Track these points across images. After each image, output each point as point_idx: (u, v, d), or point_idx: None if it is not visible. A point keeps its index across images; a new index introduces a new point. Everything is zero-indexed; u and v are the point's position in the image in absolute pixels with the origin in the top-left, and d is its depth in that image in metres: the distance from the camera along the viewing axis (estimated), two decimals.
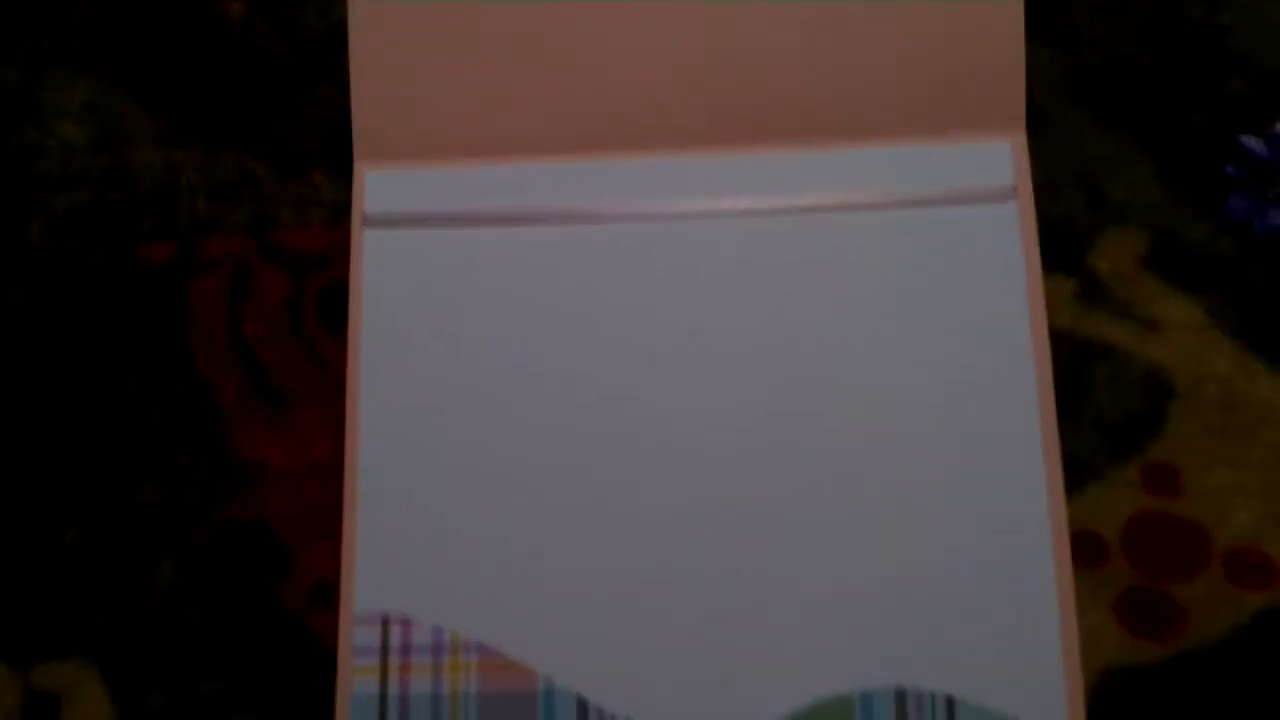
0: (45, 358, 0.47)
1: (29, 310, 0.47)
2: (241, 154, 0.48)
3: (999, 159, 0.45)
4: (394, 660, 0.43)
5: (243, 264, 0.47)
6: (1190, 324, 0.45)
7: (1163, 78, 0.47)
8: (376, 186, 0.47)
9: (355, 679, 0.43)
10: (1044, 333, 0.44)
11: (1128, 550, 0.43)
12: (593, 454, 0.44)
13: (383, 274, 0.46)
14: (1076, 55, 0.47)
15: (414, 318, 0.46)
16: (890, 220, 0.45)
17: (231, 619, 0.45)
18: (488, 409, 0.45)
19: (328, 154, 0.48)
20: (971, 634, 0.42)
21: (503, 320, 0.45)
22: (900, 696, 0.41)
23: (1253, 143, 0.45)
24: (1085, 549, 0.43)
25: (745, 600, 0.43)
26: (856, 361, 0.44)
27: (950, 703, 0.41)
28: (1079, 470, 0.44)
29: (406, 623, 0.43)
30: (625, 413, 0.44)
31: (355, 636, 0.43)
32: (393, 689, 0.43)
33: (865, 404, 0.44)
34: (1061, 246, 0.46)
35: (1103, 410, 0.44)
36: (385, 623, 0.43)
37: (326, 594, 0.44)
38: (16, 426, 0.47)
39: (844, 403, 0.44)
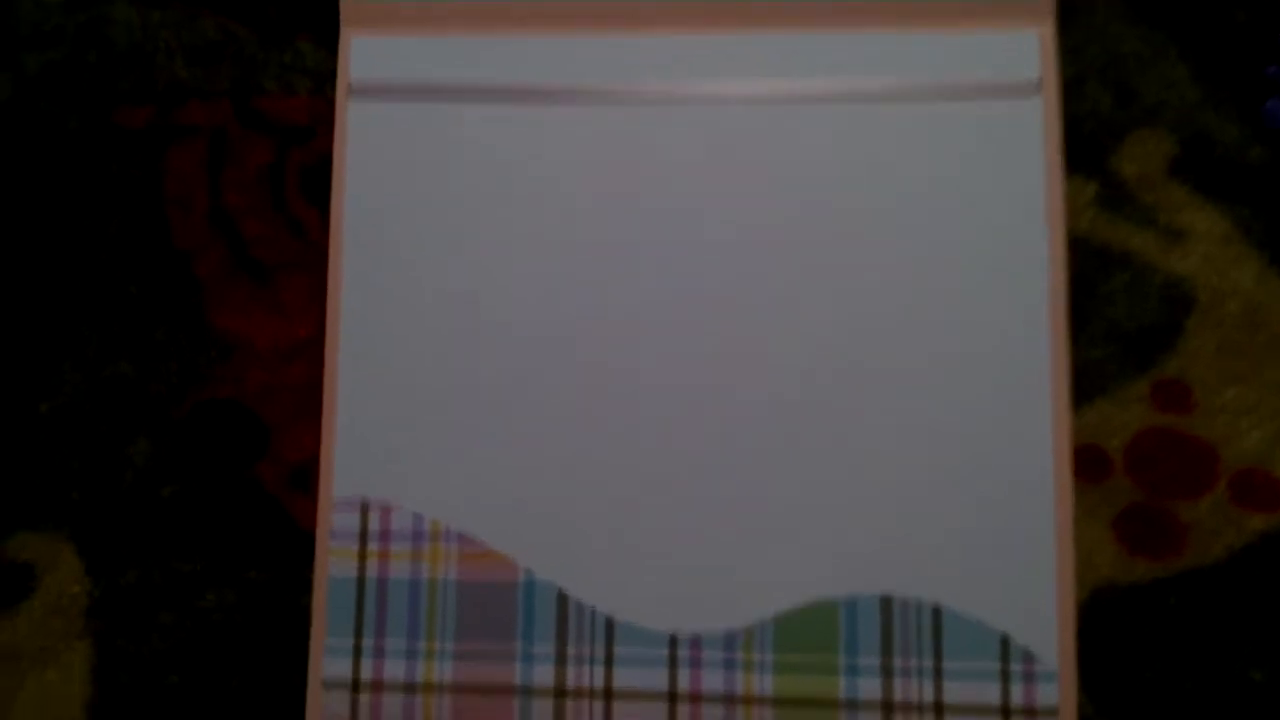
0: (16, 224, 0.45)
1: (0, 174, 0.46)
2: (222, 15, 0.46)
3: (1026, 50, 0.43)
4: (373, 545, 0.42)
5: (223, 131, 0.45)
6: (1215, 235, 0.43)
7: None
8: (363, 54, 0.44)
9: (333, 562, 0.42)
10: (1062, 236, 0.42)
11: (1131, 466, 0.42)
12: (584, 340, 0.43)
13: (367, 145, 0.44)
14: None
15: (400, 192, 0.44)
16: (910, 111, 0.43)
17: (208, 498, 0.44)
18: (474, 288, 0.43)
19: (314, 19, 0.46)
20: (964, 544, 0.41)
21: (492, 197, 0.43)
22: (886, 603, 0.41)
23: None
24: (1088, 463, 0.42)
25: (733, 502, 0.41)
26: (862, 255, 0.42)
27: (937, 612, 0.40)
28: (1088, 382, 0.42)
29: (387, 508, 0.42)
30: (617, 299, 0.43)
31: (334, 520, 0.42)
32: (371, 573, 0.42)
33: (868, 300, 0.42)
34: (1085, 146, 0.43)
35: (1117, 321, 0.43)
36: (365, 507, 0.42)
37: (305, 476, 0.43)
38: None
39: (846, 297, 0.42)
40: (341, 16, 0.45)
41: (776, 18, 0.43)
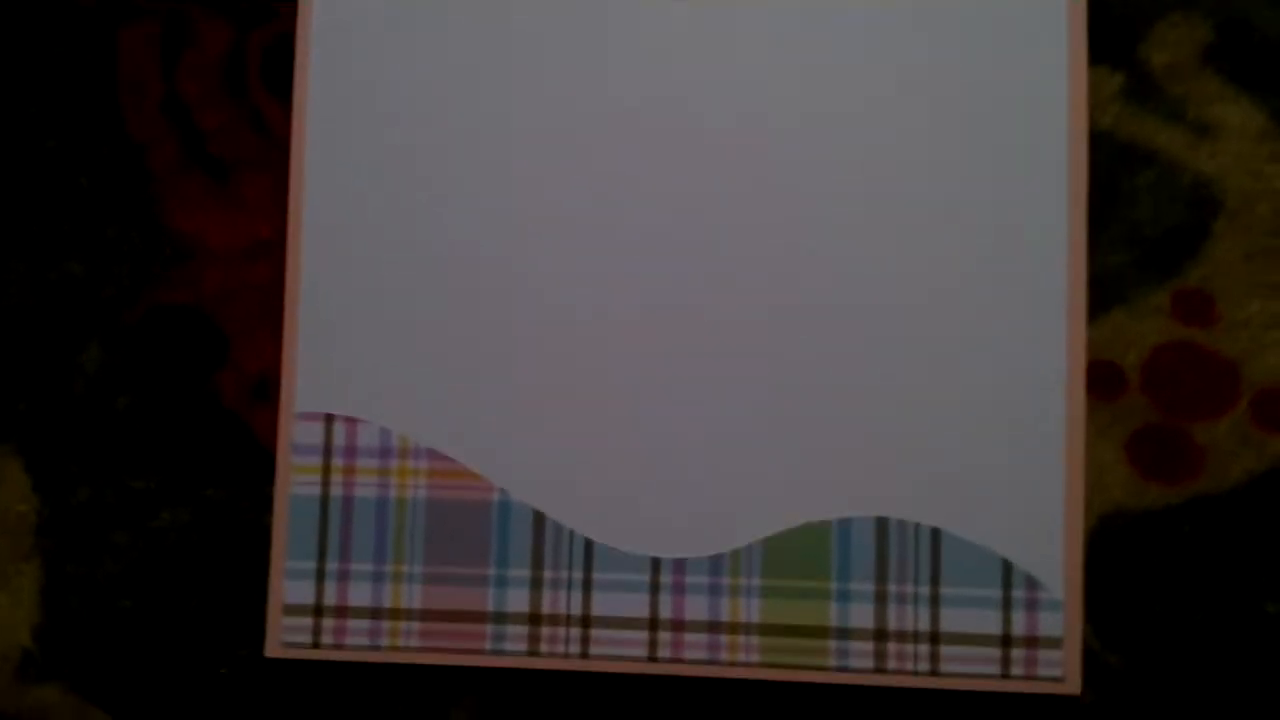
0: None
1: None
2: None
3: None
4: (337, 461, 0.41)
5: (180, 11, 0.43)
6: (1249, 131, 0.40)
7: None
8: None
9: (295, 479, 0.41)
10: (1083, 132, 0.39)
11: (1148, 384, 0.40)
12: (564, 243, 0.40)
13: (334, 28, 0.42)
14: None
15: (368, 81, 0.41)
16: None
17: (164, 410, 0.42)
18: (448, 188, 0.41)
19: None
20: (966, 465, 0.39)
21: (467, 87, 0.41)
22: (882, 524, 0.39)
23: None
24: (1102, 380, 0.40)
25: (721, 419, 0.40)
26: (875, 153, 0.40)
27: (935, 535, 0.39)
28: (1105, 291, 0.40)
29: (352, 422, 0.41)
30: (598, 198, 0.40)
31: (296, 434, 0.41)
32: (335, 491, 0.40)
33: (877, 202, 0.40)
34: (1112, 33, 0.41)
35: (1139, 224, 0.40)
36: (329, 421, 0.41)
37: (266, 388, 0.42)
38: None
39: (845, 193, 0.40)
40: None
41: None
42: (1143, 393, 0.40)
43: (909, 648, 0.39)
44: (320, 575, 0.40)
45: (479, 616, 0.40)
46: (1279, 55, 0.41)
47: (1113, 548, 0.40)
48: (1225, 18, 0.41)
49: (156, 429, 0.42)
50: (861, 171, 0.40)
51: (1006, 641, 0.39)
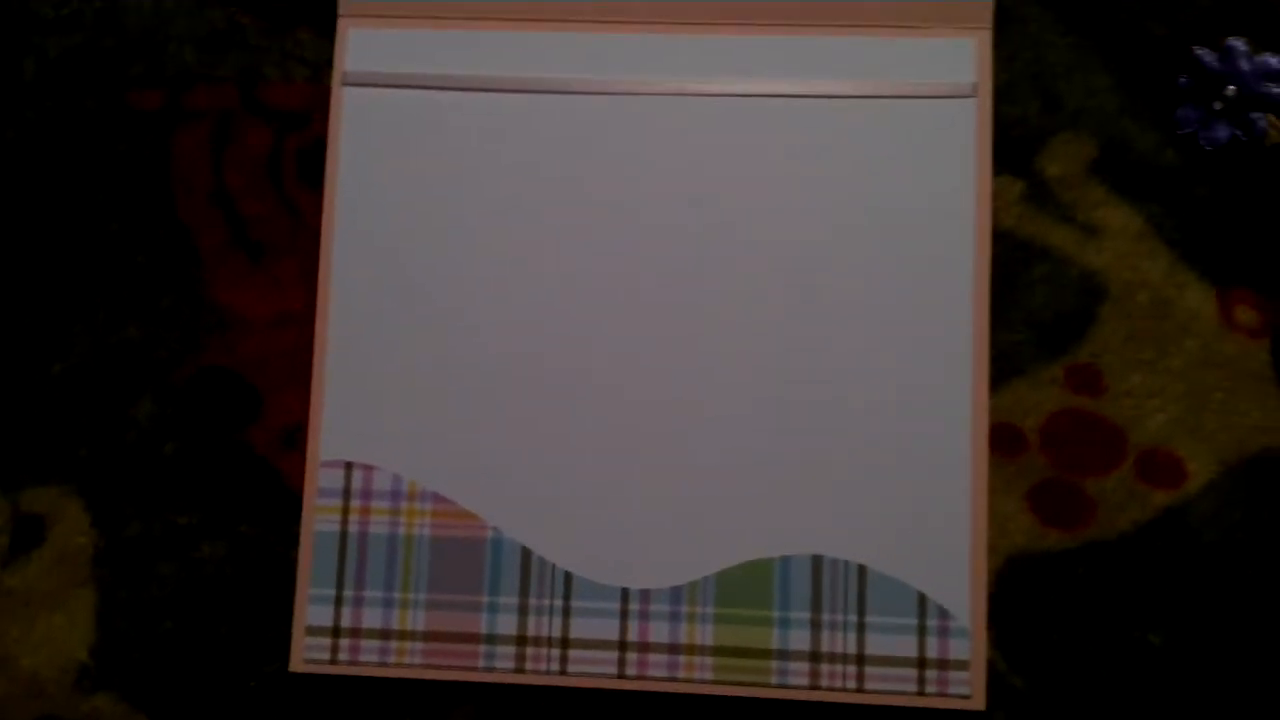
0: (35, 197, 0.49)
1: (21, 149, 0.49)
2: (229, 6, 0.49)
3: (963, 56, 0.46)
4: (355, 503, 0.46)
5: (227, 115, 0.48)
6: (1129, 231, 0.46)
7: None
8: (358, 44, 0.48)
9: (319, 518, 0.46)
10: (987, 230, 0.45)
11: (1045, 444, 0.45)
12: (551, 319, 0.46)
13: (360, 132, 0.47)
14: None
15: (389, 176, 0.47)
16: (852, 109, 0.46)
17: (205, 457, 0.47)
18: (456, 269, 0.46)
19: (314, 10, 0.49)
20: (889, 511, 0.44)
21: (475, 184, 0.47)
22: (817, 561, 0.44)
23: (1205, 54, 0.45)
24: (1005, 440, 0.45)
25: (681, 470, 0.45)
26: (801, 242, 0.46)
27: (862, 571, 0.44)
28: (1007, 365, 0.46)
29: (369, 469, 0.46)
30: (582, 280, 0.46)
31: (320, 479, 0.46)
32: (353, 529, 0.46)
33: (806, 284, 0.45)
34: (1014, 148, 0.47)
35: (1035, 309, 0.46)
36: (349, 468, 0.46)
37: (295, 438, 0.47)
38: (7, 263, 0.48)
39: (786, 280, 0.46)
40: (339, 9, 0.48)
41: (736, 21, 0.47)
42: (1041, 452, 0.45)
43: (839, 668, 0.44)
44: (338, 601, 0.45)
45: (473, 638, 0.45)
46: (1153, 170, 0.46)
47: (1018, 585, 0.45)
48: (1108, 137, 0.46)
49: (199, 473, 0.47)
50: (796, 258, 0.45)
51: (922, 664, 0.44)
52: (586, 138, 0.47)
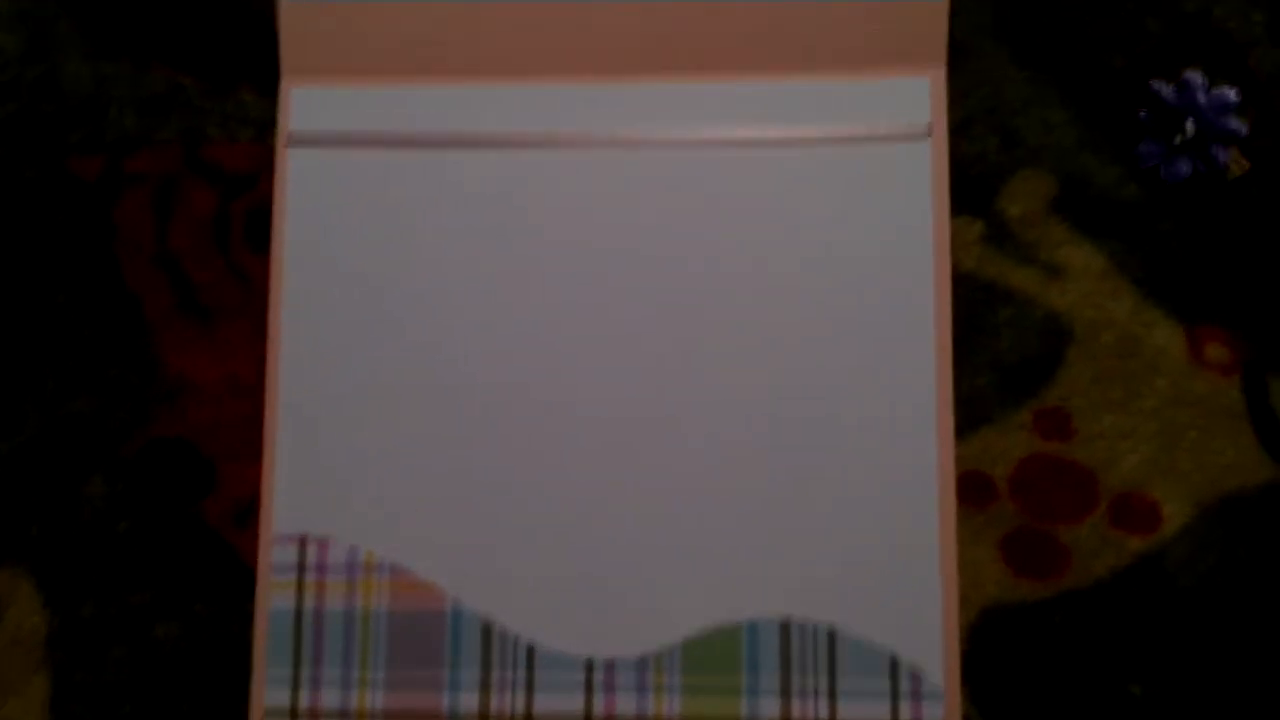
0: None
1: None
2: (170, 68, 0.48)
3: (917, 95, 0.45)
4: (310, 577, 0.45)
5: (170, 179, 0.48)
6: (1092, 270, 0.45)
7: (1084, 15, 0.46)
8: (302, 104, 0.47)
9: (273, 594, 0.45)
10: (947, 273, 0.44)
11: (1016, 491, 0.44)
12: (507, 383, 0.45)
13: (306, 193, 0.46)
14: None
15: (338, 238, 0.46)
16: (807, 154, 0.45)
17: (158, 533, 0.46)
18: (407, 332, 0.46)
19: (256, 70, 0.48)
20: (856, 570, 0.43)
21: (425, 244, 0.46)
22: (785, 626, 0.43)
23: (1163, 88, 0.44)
24: (974, 489, 0.44)
25: (643, 534, 0.44)
26: (760, 291, 0.45)
27: (832, 634, 0.43)
28: (973, 411, 0.45)
29: (323, 542, 0.45)
30: (540, 342, 0.45)
31: (274, 554, 0.45)
32: (308, 604, 0.45)
33: (763, 335, 0.44)
34: (972, 187, 0.46)
35: (1000, 353, 0.45)
36: (303, 541, 0.45)
37: (248, 512, 0.46)
38: None
39: (744, 333, 0.45)
40: (281, 67, 0.47)
41: (683, 67, 0.46)
42: (1011, 500, 0.44)
43: None
44: (295, 682, 0.44)
45: (435, 716, 0.44)
46: (1115, 206, 0.45)
47: (993, 638, 0.44)
48: (1068, 173, 0.45)
49: (152, 550, 0.46)
50: (751, 310, 0.44)
51: None
52: (538, 192, 0.46)
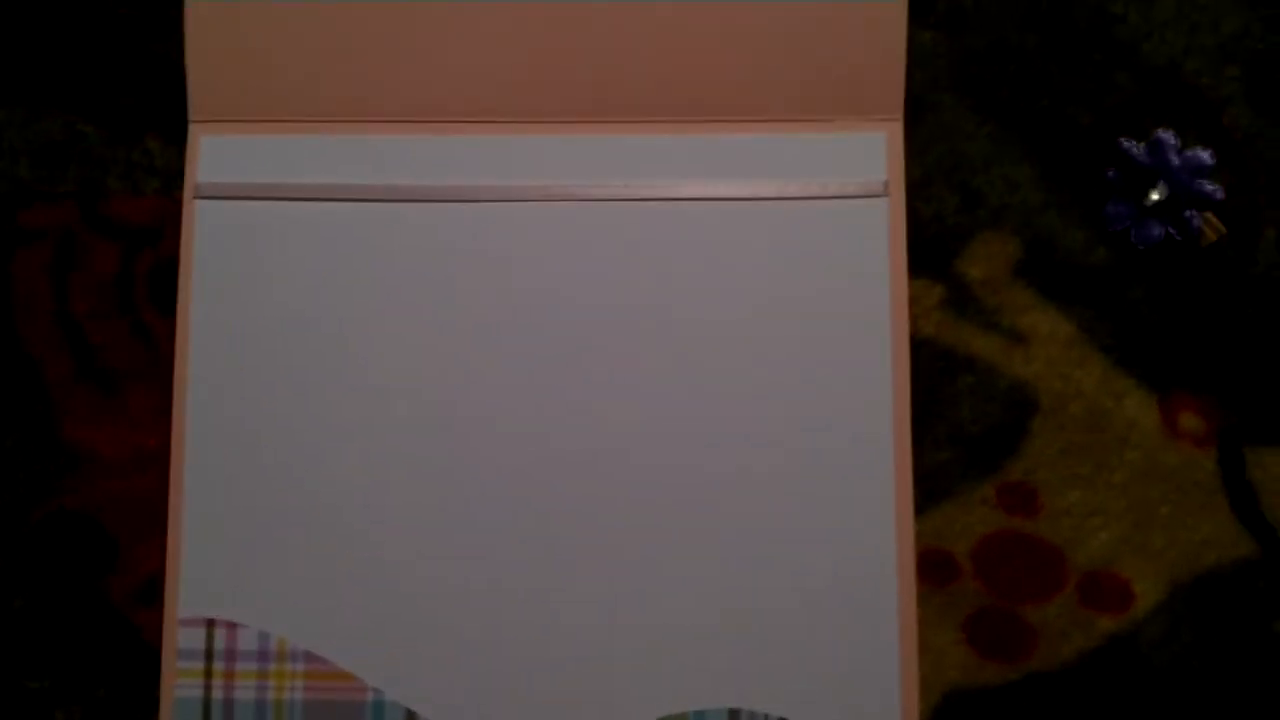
0: None
1: None
2: (69, 114, 0.45)
3: (873, 151, 0.43)
4: (218, 665, 0.42)
5: (69, 234, 0.45)
6: (1059, 338, 0.43)
7: (1049, 67, 0.44)
8: (211, 153, 0.44)
9: (179, 683, 0.42)
10: (905, 340, 0.42)
11: (980, 570, 0.42)
12: (431, 452, 0.42)
13: (215, 249, 0.43)
14: (961, 40, 0.44)
15: (248, 297, 0.43)
16: (759, 212, 0.43)
17: (57, 613, 0.43)
18: (324, 398, 0.43)
19: (162, 117, 0.45)
20: (810, 656, 0.41)
21: (340, 303, 0.43)
22: (734, 717, 0.41)
23: (1134, 147, 0.42)
24: (936, 567, 0.42)
25: (581, 622, 0.41)
26: (707, 357, 0.42)
27: None
28: (933, 486, 0.43)
29: (232, 626, 0.42)
30: (464, 407, 0.42)
31: (180, 639, 0.42)
32: (217, 694, 0.42)
33: (713, 405, 0.42)
34: (932, 249, 0.43)
35: (962, 424, 0.43)
36: (210, 626, 0.42)
37: (154, 591, 0.43)
38: None
39: (691, 401, 0.42)
40: (190, 115, 0.44)
41: (628, 120, 0.43)
42: (975, 578, 0.42)
43: None
44: None
45: None
46: (1082, 271, 0.43)
47: None
48: (1033, 235, 0.43)
49: (52, 631, 0.43)
50: (699, 377, 0.42)
51: None
52: (458, 246, 0.43)
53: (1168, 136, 0.42)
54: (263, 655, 0.42)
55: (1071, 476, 0.42)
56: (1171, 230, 0.42)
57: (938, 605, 0.42)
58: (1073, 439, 0.43)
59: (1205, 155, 0.42)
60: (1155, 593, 0.42)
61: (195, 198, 0.44)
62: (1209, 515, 0.42)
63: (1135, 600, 0.42)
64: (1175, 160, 0.42)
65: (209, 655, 0.42)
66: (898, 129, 0.43)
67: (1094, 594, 0.42)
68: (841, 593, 0.41)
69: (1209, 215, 0.42)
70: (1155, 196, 0.42)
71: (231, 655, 0.42)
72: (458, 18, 0.43)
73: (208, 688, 0.42)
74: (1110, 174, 0.43)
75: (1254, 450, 0.42)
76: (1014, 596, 0.42)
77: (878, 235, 0.42)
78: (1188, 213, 0.42)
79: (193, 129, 0.44)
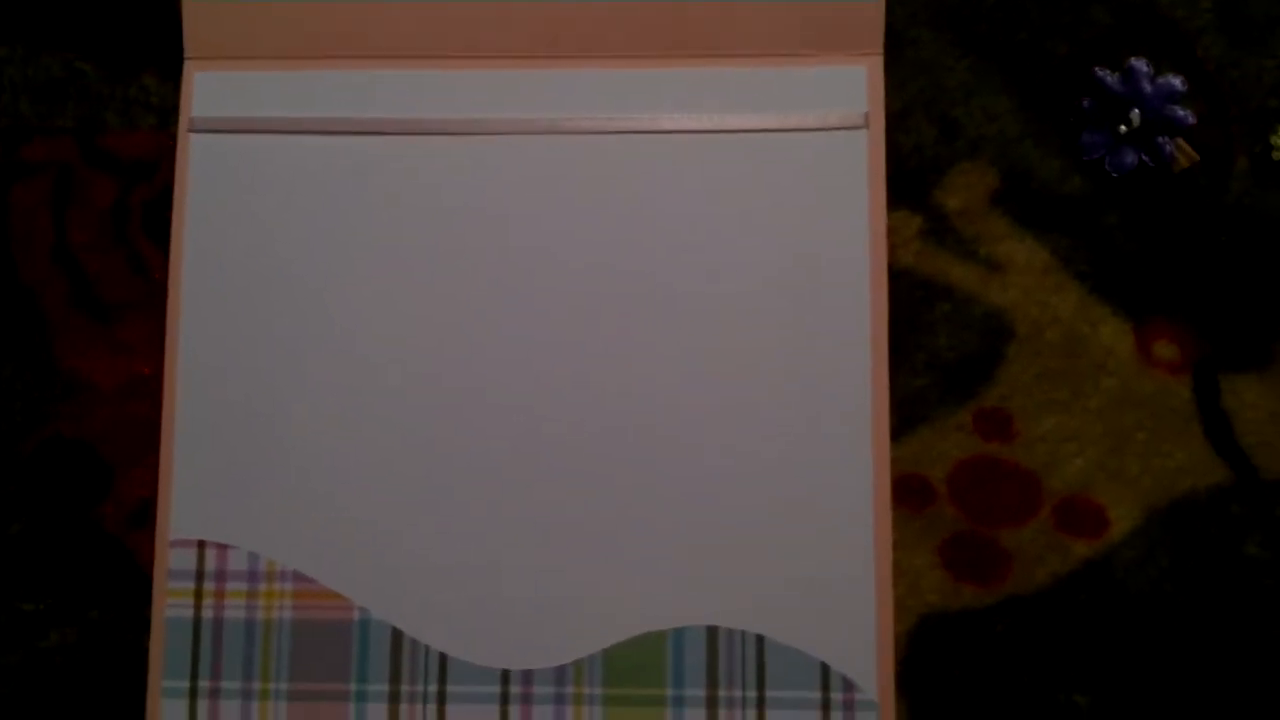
0: None
1: None
2: (67, 51, 0.46)
3: (853, 84, 0.43)
4: (209, 585, 0.43)
5: (67, 168, 0.46)
6: (1035, 266, 0.44)
7: (1026, 1, 0.45)
8: (206, 88, 0.45)
9: (170, 603, 0.43)
10: (884, 269, 0.43)
11: (955, 495, 0.43)
12: (418, 381, 0.43)
13: (209, 181, 0.44)
14: None
15: (241, 229, 0.44)
16: (739, 144, 0.43)
17: (51, 538, 0.44)
18: (314, 329, 0.44)
19: (158, 53, 0.46)
20: (787, 576, 0.41)
21: (331, 234, 0.44)
22: (712, 634, 0.41)
23: (1108, 76, 0.43)
24: (912, 492, 0.43)
25: (562, 539, 0.42)
26: (689, 286, 0.43)
27: (760, 641, 0.41)
28: (910, 412, 0.43)
29: (223, 548, 0.43)
30: (449, 336, 0.43)
31: (170, 560, 0.43)
32: (207, 614, 0.43)
33: (693, 333, 0.43)
34: (910, 180, 0.44)
35: (938, 351, 0.43)
36: (201, 547, 0.43)
37: (146, 515, 0.44)
38: None
39: (672, 329, 0.43)
40: (185, 51, 0.45)
41: (608, 54, 0.44)
42: (951, 503, 0.43)
43: None
44: (193, 693, 0.42)
45: None
46: (1058, 199, 0.44)
47: (933, 646, 0.42)
48: (1010, 165, 0.44)
49: (46, 555, 0.44)
50: (681, 305, 0.43)
51: None
52: (448, 180, 0.44)
53: (1141, 65, 0.43)
54: (252, 575, 0.42)
55: (1047, 402, 0.43)
56: (1145, 157, 0.43)
57: (915, 530, 0.43)
58: (1049, 365, 0.43)
59: (1177, 82, 0.42)
60: (1130, 518, 0.42)
61: (189, 131, 0.45)
62: (1183, 442, 0.43)
63: (1110, 525, 0.42)
64: (1148, 87, 0.42)
65: (199, 576, 0.43)
66: (877, 63, 0.44)
67: (1069, 519, 0.42)
68: (819, 516, 0.42)
69: (1181, 141, 0.43)
70: (1129, 125, 0.43)
71: (221, 575, 0.43)
72: None
73: (198, 607, 0.42)
74: (1085, 103, 0.43)
75: (1228, 378, 0.43)
76: (990, 521, 0.43)
77: (857, 167, 0.43)
78: (1160, 139, 0.43)
79: (187, 65, 0.45)
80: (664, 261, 0.43)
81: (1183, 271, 0.44)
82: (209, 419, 0.43)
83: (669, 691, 0.41)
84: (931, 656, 0.42)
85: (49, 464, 0.44)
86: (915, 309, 0.44)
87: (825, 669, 0.41)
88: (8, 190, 0.45)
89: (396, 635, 0.42)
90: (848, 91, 0.43)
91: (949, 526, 0.43)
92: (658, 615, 0.42)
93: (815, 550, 0.41)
